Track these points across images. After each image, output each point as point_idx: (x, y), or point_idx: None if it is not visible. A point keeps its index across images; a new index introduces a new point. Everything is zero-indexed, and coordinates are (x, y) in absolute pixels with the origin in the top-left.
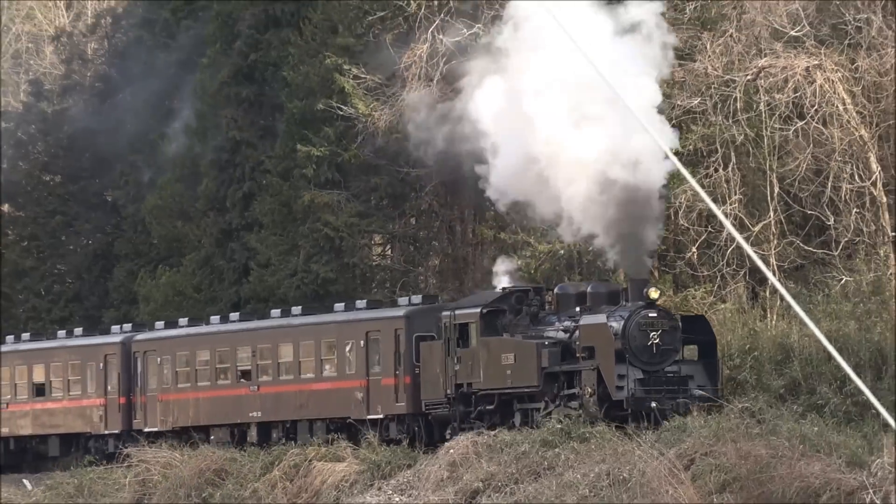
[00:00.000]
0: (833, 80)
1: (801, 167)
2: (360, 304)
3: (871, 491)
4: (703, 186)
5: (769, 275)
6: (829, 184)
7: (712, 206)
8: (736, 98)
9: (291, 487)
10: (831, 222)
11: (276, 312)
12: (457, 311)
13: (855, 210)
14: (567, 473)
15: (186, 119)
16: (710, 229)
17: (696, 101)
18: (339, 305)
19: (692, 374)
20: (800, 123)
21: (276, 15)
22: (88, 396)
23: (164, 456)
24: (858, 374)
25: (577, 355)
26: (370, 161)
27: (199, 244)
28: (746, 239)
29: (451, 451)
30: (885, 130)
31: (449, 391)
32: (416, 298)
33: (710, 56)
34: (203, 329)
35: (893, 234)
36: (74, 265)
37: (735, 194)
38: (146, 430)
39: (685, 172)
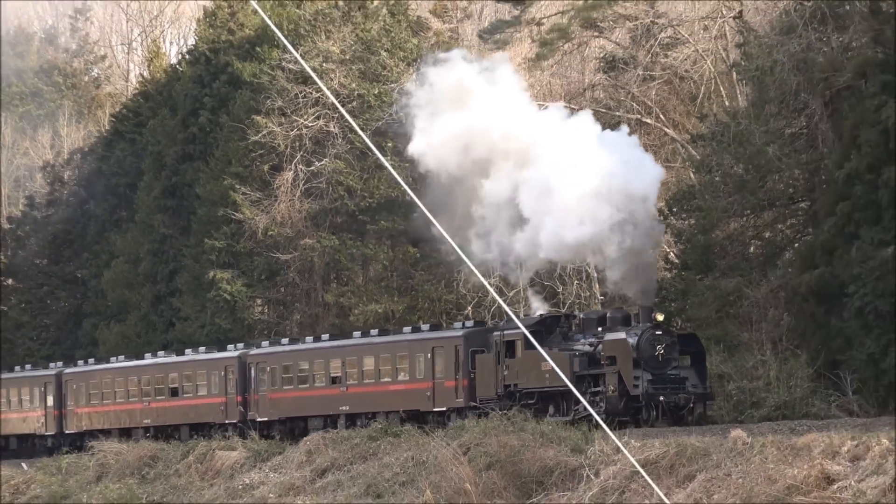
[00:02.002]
0: None
1: None
2: (425, 327)
3: (586, 468)
4: None
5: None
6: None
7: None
8: None
9: (201, 468)
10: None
11: (357, 334)
12: (505, 332)
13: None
14: (385, 458)
15: (132, 221)
16: None
17: None
18: (407, 329)
19: (687, 376)
20: None
21: (190, 153)
22: (213, 396)
23: (115, 447)
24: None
25: (602, 362)
26: (253, 250)
27: (139, 306)
28: None
29: (308, 443)
30: None
31: (499, 390)
32: (469, 323)
33: None
34: (302, 346)
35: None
36: (55, 320)
37: None
38: (258, 419)
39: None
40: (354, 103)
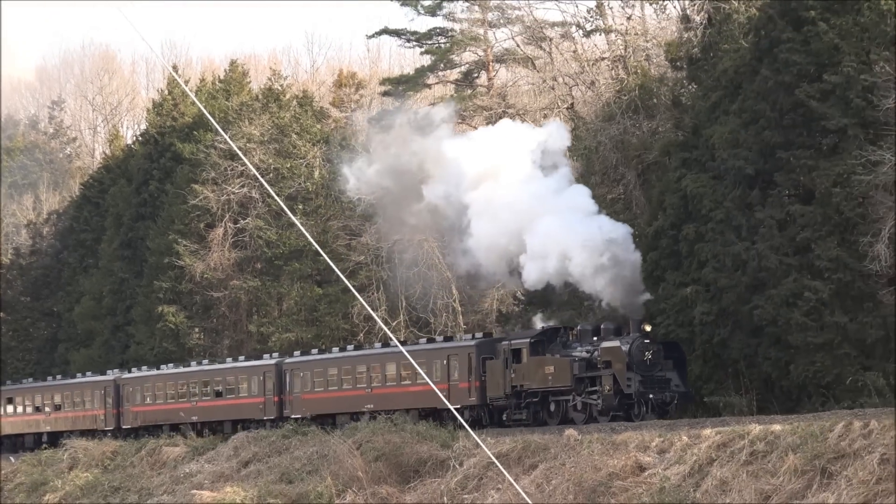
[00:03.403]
0: None
1: None
2: (439, 339)
3: (453, 460)
4: None
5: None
6: None
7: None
8: None
9: (151, 460)
10: None
11: (377, 345)
12: (512, 342)
13: None
14: (296, 452)
15: (96, 267)
16: None
17: None
18: (422, 340)
19: (671, 378)
20: None
21: (142, 213)
22: (253, 396)
23: (84, 444)
24: None
25: (598, 366)
26: (192, 289)
27: (102, 333)
28: None
29: (234, 440)
30: None
31: (507, 390)
32: (479, 335)
33: None
34: (331, 356)
35: None
36: (36, 344)
37: None
38: (292, 416)
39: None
40: (271, 175)
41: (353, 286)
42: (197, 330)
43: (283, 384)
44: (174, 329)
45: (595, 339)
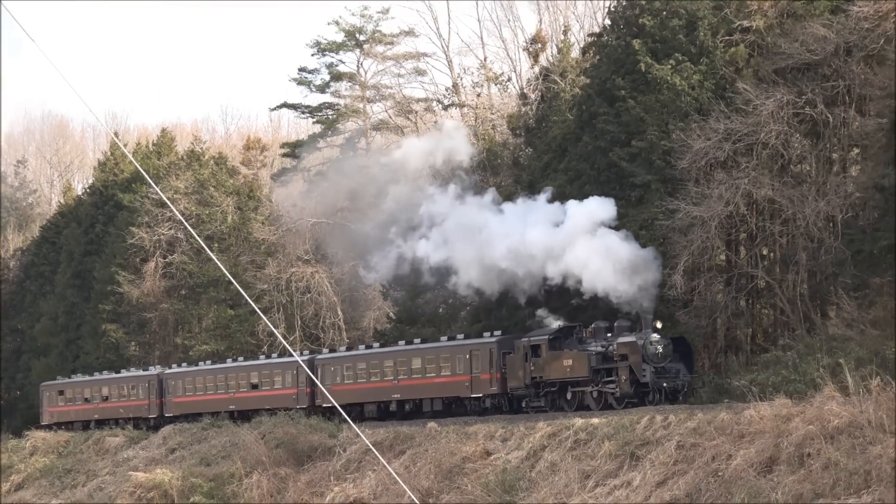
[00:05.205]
0: None
1: None
2: (460, 336)
3: (338, 447)
4: None
5: None
6: None
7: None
8: None
9: (96, 448)
10: None
11: (401, 342)
12: (531, 338)
13: None
14: (213, 441)
15: (53, 294)
16: None
17: None
18: (444, 338)
19: (679, 368)
20: None
21: (90, 251)
22: (287, 388)
23: (42, 435)
24: None
25: (615, 359)
26: (130, 311)
27: (58, 346)
28: None
29: (163, 432)
30: None
31: (527, 381)
32: (497, 332)
33: None
34: (359, 352)
35: None
36: (4, 357)
37: None
38: (323, 405)
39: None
40: (193, 219)
41: (259, 308)
42: (133, 343)
43: (315, 377)
44: (115, 342)
45: (609, 335)
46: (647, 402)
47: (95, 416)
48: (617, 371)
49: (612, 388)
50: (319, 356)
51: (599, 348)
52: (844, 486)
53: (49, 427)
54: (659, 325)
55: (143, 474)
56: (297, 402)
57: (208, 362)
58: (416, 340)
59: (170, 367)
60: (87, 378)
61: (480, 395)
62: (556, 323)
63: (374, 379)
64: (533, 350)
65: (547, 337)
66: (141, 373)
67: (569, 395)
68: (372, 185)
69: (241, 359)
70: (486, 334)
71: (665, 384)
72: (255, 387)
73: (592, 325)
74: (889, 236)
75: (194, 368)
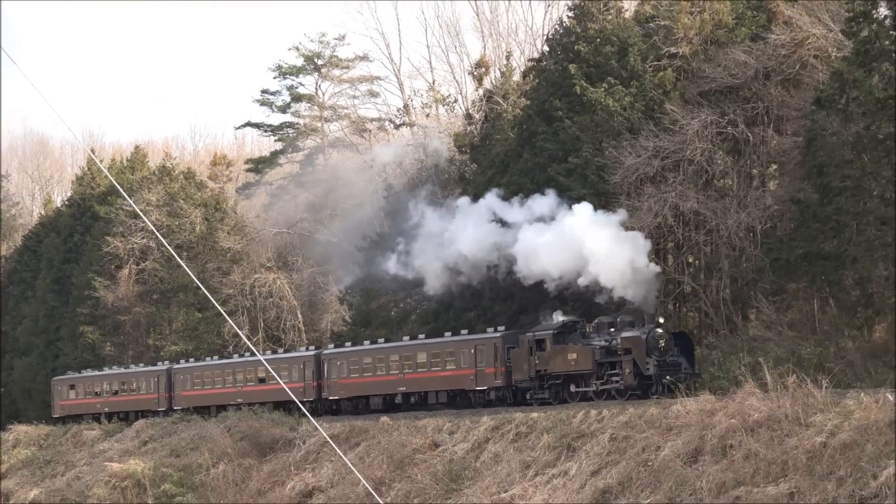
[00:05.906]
0: None
1: None
2: (464, 331)
3: (298, 439)
4: None
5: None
6: None
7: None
8: None
9: (74, 440)
10: None
11: (406, 338)
12: (536, 333)
13: None
14: (182, 434)
15: (34, 298)
16: None
17: None
18: (448, 334)
19: (681, 362)
20: None
21: (69, 258)
22: (294, 381)
23: (24, 429)
24: None
25: (618, 353)
26: (105, 314)
27: (38, 346)
28: None
29: (136, 426)
30: None
31: (531, 374)
32: (501, 328)
33: None
34: (365, 347)
35: None
36: None
37: None
38: (330, 398)
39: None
40: (164, 229)
41: (225, 311)
42: (108, 344)
43: (322, 371)
44: (91, 343)
45: (612, 330)
46: (650, 395)
47: (106, 409)
48: (621, 364)
49: (617, 381)
50: (326, 351)
51: (603, 342)
52: (763, 474)
53: (61, 420)
54: (661, 319)
55: (118, 465)
56: (304, 395)
57: (216, 357)
58: (421, 336)
59: (178, 363)
60: (98, 373)
61: (485, 387)
62: (560, 318)
63: (380, 373)
64: (538, 344)
65: (552, 331)
66: (150, 368)
67: (572, 388)
68: (329, 197)
69: (247, 354)
70: (490, 329)
71: (668, 377)
72: (262, 381)
73: (596, 321)
74: (804, 245)
75: (203, 363)
